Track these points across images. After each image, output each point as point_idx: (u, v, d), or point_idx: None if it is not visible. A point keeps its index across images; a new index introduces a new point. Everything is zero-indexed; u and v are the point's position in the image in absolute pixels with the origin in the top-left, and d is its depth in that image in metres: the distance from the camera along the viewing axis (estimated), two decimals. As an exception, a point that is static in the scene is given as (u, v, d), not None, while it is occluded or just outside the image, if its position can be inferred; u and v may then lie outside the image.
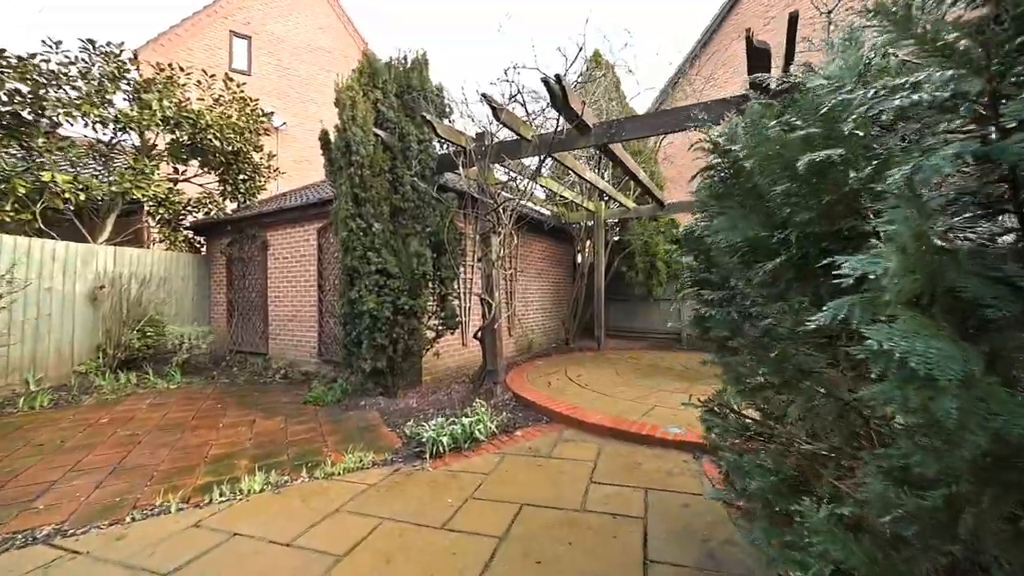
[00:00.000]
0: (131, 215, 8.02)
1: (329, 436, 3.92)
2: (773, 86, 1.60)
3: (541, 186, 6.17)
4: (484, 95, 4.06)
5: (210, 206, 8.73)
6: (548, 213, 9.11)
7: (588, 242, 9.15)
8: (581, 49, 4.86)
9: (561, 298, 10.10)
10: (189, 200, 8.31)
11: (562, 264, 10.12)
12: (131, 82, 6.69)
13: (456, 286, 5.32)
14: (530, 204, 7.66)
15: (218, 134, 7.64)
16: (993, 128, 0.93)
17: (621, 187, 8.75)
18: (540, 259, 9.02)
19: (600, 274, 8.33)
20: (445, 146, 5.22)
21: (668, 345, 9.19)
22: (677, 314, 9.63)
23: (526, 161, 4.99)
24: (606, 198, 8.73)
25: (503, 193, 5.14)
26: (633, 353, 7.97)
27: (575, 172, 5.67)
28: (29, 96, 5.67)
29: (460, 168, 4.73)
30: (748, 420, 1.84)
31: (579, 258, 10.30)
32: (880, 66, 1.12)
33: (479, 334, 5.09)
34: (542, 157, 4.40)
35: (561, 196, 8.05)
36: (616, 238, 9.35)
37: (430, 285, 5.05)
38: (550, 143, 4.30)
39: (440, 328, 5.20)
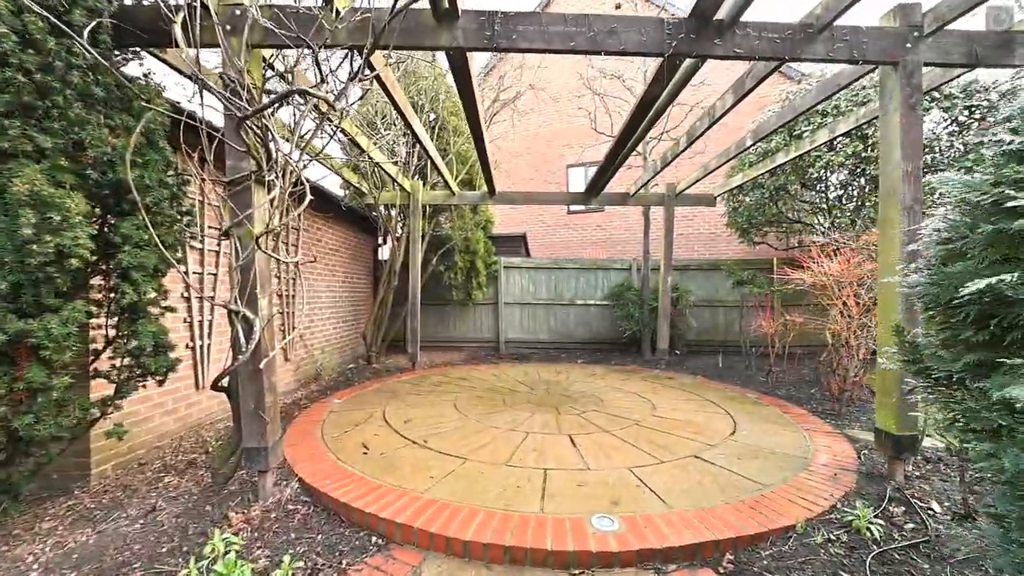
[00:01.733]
0: None
1: None
2: None
3: (343, 133, 3.94)
4: None
5: None
6: (351, 186, 6.75)
7: (400, 233, 7.18)
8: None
9: (360, 303, 7.77)
10: None
11: (360, 259, 7.80)
12: None
13: (174, 286, 2.61)
14: (323, 164, 5.20)
15: None
16: None
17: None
18: (331, 251, 6.55)
19: (416, 274, 6.50)
20: None
21: (488, 355, 8.08)
22: (495, 320, 8.67)
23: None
24: (430, 176, 6.97)
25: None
26: (458, 370, 6.45)
27: (405, 118, 3.73)
28: None
29: (180, 42, 2.20)
30: None
31: (383, 252, 8.17)
32: None
33: (223, 381, 2.61)
34: (362, 53, 2.34)
35: (366, 162, 5.87)
36: (433, 231, 7.66)
37: (91, 283, 2.31)
38: (378, 30, 2.32)
39: (127, 375, 2.46)
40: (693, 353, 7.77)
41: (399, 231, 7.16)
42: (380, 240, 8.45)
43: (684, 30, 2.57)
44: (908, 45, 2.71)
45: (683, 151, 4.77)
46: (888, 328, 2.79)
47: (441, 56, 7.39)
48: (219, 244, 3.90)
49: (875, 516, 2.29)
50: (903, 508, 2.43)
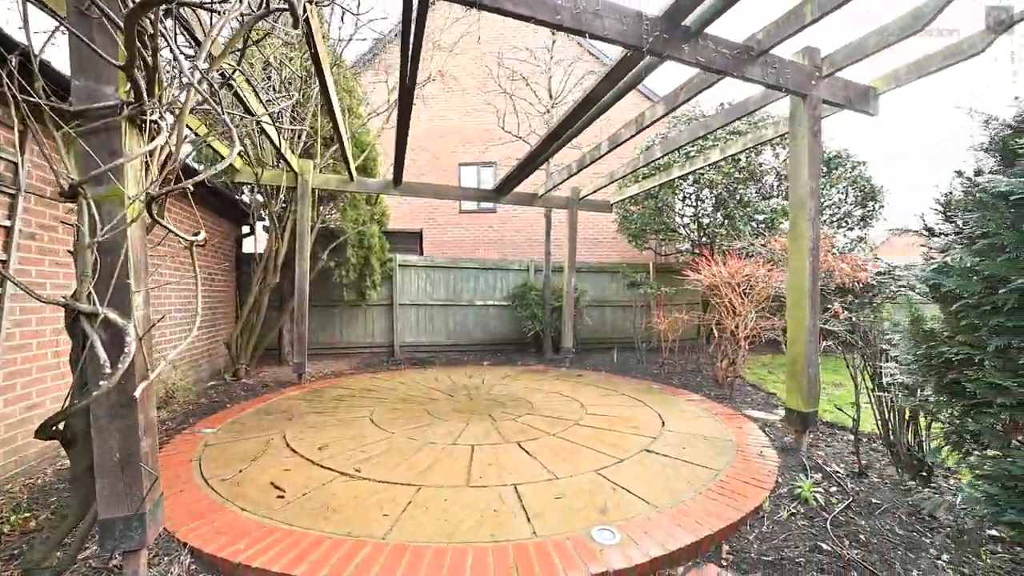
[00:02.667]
0: None
1: None
2: None
3: (229, 83, 2.98)
4: None
5: None
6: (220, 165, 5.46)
7: (280, 222, 6.01)
8: None
9: (219, 306, 6.30)
10: None
11: (220, 252, 6.34)
12: None
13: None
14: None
15: None
16: None
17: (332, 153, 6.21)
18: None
19: (305, 270, 5.50)
20: None
21: (383, 362, 7.34)
22: (390, 323, 7.93)
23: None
24: (318, 158, 5.97)
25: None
26: (356, 380, 5.66)
27: (323, 77, 3.00)
28: None
29: None
30: None
31: (253, 244, 6.78)
32: None
33: (57, 427, 1.70)
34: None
35: (246, 129, 4.77)
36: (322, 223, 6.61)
37: None
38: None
39: None
40: (587, 350, 8.23)
41: (279, 220, 6.01)
42: (247, 229, 7.00)
43: (659, 29, 2.59)
44: (813, 82, 3.20)
45: (606, 154, 4.95)
46: (798, 322, 3.25)
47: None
48: (9, 212, 2.63)
49: (813, 489, 2.59)
50: (820, 475, 2.82)
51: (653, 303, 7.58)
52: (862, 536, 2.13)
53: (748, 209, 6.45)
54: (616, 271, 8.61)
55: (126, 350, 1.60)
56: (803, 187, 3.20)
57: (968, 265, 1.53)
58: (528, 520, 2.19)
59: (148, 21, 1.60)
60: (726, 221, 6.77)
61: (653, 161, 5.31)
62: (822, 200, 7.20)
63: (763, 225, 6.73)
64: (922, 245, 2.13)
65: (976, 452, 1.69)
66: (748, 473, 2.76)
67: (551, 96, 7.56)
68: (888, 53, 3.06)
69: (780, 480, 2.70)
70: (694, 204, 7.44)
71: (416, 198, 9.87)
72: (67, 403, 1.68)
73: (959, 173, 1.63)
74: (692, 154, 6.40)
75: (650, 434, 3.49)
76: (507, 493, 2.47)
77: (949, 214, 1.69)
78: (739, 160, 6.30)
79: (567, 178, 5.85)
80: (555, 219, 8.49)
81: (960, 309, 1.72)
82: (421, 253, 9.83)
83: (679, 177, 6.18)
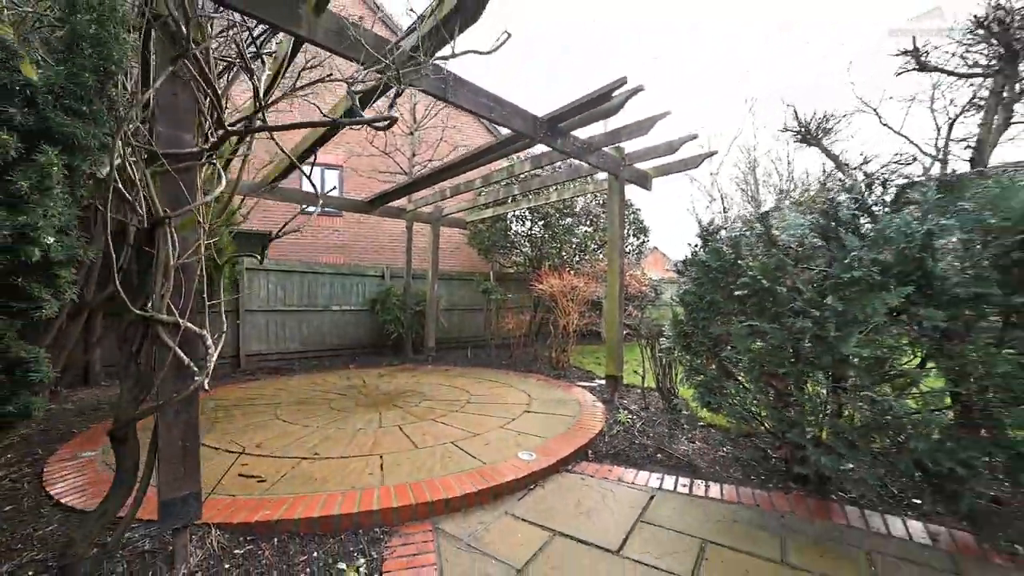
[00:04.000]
0: None
1: None
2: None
3: None
4: None
5: None
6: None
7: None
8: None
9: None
10: None
11: None
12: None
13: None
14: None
15: None
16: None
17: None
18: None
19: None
20: None
21: (227, 374, 6.87)
22: (235, 331, 7.37)
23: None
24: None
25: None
26: (226, 391, 5.40)
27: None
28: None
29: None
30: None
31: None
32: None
33: (122, 432, 1.88)
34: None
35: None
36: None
37: None
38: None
39: None
40: (443, 350, 9.26)
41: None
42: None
43: (544, 128, 3.93)
44: (621, 168, 5.07)
45: (479, 188, 6.14)
46: (612, 318, 5.06)
47: None
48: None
49: (626, 416, 4.30)
50: (627, 411, 4.61)
51: (497, 306, 9.14)
52: (651, 434, 3.86)
53: (568, 235, 8.65)
54: (469, 279, 9.90)
55: (210, 353, 2.00)
56: (615, 232, 5.04)
57: (693, 290, 3.27)
58: (474, 457, 3.19)
59: (222, 83, 2.06)
60: (553, 242, 8.84)
61: (511, 196, 6.77)
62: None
63: (576, 247, 9.04)
64: (672, 273, 3.98)
65: (696, 378, 3.51)
66: (591, 415, 4.33)
67: (415, 119, 8.36)
68: (661, 159, 5.15)
69: (608, 417, 4.35)
70: (529, 228, 9.34)
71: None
72: (127, 405, 1.93)
73: (691, 245, 3.43)
74: (538, 192, 8.20)
75: (524, 402, 4.83)
76: (450, 448, 3.40)
77: (686, 265, 3.48)
78: (565, 200, 8.39)
79: (441, 200, 6.84)
80: (396, 229, 9.26)
81: (690, 310, 3.52)
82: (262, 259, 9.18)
83: (527, 208, 7.86)
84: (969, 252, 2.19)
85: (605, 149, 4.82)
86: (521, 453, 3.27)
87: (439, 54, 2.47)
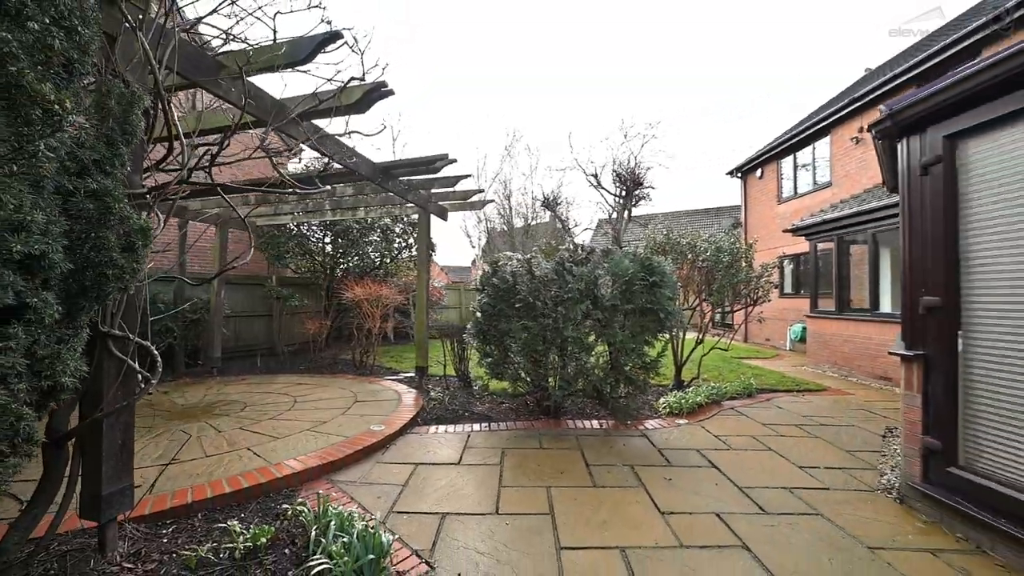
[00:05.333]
0: None
1: None
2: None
3: None
4: None
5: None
6: None
7: None
8: None
9: None
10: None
11: None
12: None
13: None
14: None
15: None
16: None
17: None
18: None
19: None
20: None
21: None
22: None
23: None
24: None
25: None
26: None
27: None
28: None
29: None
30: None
31: None
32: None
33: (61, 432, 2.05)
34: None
35: None
36: None
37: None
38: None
39: None
40: (228, 359, 8.51)
41: None
42: None
43: (381, 173, 5.00)
44: (429, 204, 6.50)
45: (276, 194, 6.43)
46: (421, 321, 6.43)
47: None
48: None
49: (437, 394, 5.73)
50: (436, 392, 6.05)
51: (290, 312, 9.08)
52: (457, 403, 5.44)
53: (368, 248, 9.45)
54: (256, 284, 9.31)
55: (158, 366, 2.41)
56: (423, 252, 6.44)
57: (488, 302, 5.01)
58: (337, 435, 4.03)
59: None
60: (353, 253, 9.46)
61: (326, 210, 7.24)
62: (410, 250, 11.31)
63: (378, 257, 9.95)
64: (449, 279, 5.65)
65: (487, 360, 5.26)
66: (411, 397, 5.59)
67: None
68: (457, 200, 6.81)
69: (422, 397, 5.70)
70: (326, 238, 9.64)
71: None
72: (79, 412, 2.18)
73: (483, 271, 5.18)
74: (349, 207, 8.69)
75: (350, 395, 5.66)
76: (312, 432, 4.10)
77: (483, 284, 5.20)
78: (371, 218, 9.19)
79: (253, 206, 6.69)
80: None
81: (487, 315, 5.25)
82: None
83: (329, 219, 8.26)
84: (612, 285, 4.62)
85: (421, 191, 6.16)
86: (372, 426, 4.30)
87: (337, 131, 3.37)
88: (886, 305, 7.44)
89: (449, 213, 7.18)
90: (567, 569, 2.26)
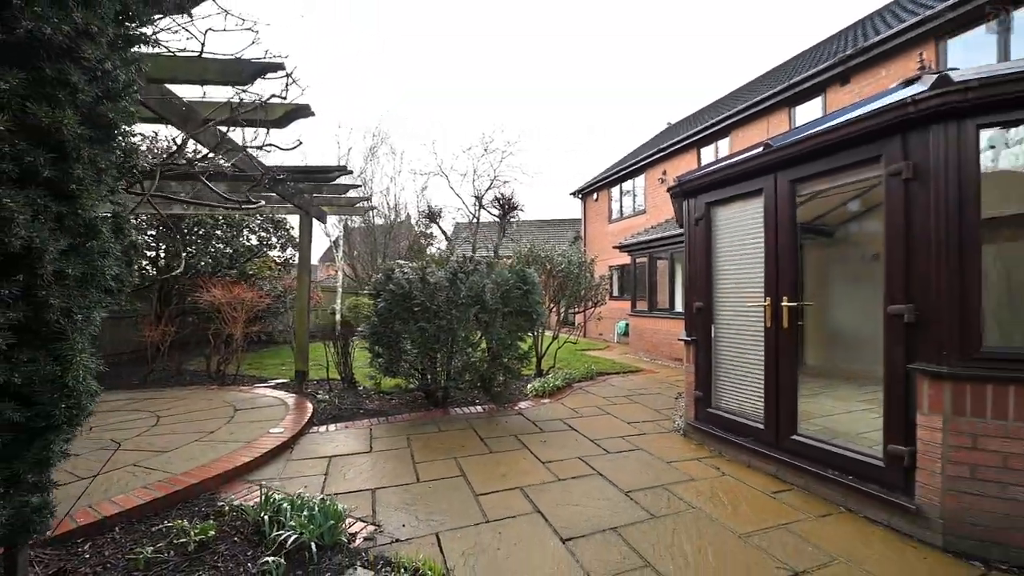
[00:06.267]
0: None
1: None
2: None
3: None
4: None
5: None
6: None
7: None
8: None
9: None
10: None
11: None
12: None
13: None
14: None
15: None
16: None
17: None
18: None
19: None
20: None
21: None
22: None
23: None
24: None
25: None
26: None
27: None
28: None
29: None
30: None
31: None
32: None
33: None
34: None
35: None
36: None
37: None
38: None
39: None
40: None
41: None
42: None
43: (269, 177, 4.99)
44: (311, 208, 6.48)
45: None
46: (302, 325, 6.37)
47: None
48: None
49: (325, 397, 5.83)
50: (323, 394, 6.10)
51: (124, 318, 7.66)
52: (348, 404, 5.68)
53: (227, 250, 8.54)
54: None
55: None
56: (306, 255, 6.41)
57: (384, 306, 5.40)
58: (238, 442, 4.02)
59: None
60: (203, 251, 8.45)
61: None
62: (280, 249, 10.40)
63: (230, 259, 9.02)
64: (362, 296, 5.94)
65: (379, 360, 5.63)
66: (297, 402, 5.60)
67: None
68: (343, 206, 6.90)
69: (309, 401, 5.75)
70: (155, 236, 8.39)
71: None
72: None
73: (376, 283, 5.55)
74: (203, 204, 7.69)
75: (228, 405, 5.38)
76: (206, 443, 3.98)
77: (378, 291, 5.56)
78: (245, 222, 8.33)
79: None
80: None
81: (382, 318, 5.60)
82: None
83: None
84: (495, 291, 5.55)
85: (305, 195, 6.14)
86: (271, 430, 4.37)
87: (255, 143, 3.52)
88: (679, 306, 10.12)
89: (326, 215, 7.20)
90: (485, 506, 3.05)
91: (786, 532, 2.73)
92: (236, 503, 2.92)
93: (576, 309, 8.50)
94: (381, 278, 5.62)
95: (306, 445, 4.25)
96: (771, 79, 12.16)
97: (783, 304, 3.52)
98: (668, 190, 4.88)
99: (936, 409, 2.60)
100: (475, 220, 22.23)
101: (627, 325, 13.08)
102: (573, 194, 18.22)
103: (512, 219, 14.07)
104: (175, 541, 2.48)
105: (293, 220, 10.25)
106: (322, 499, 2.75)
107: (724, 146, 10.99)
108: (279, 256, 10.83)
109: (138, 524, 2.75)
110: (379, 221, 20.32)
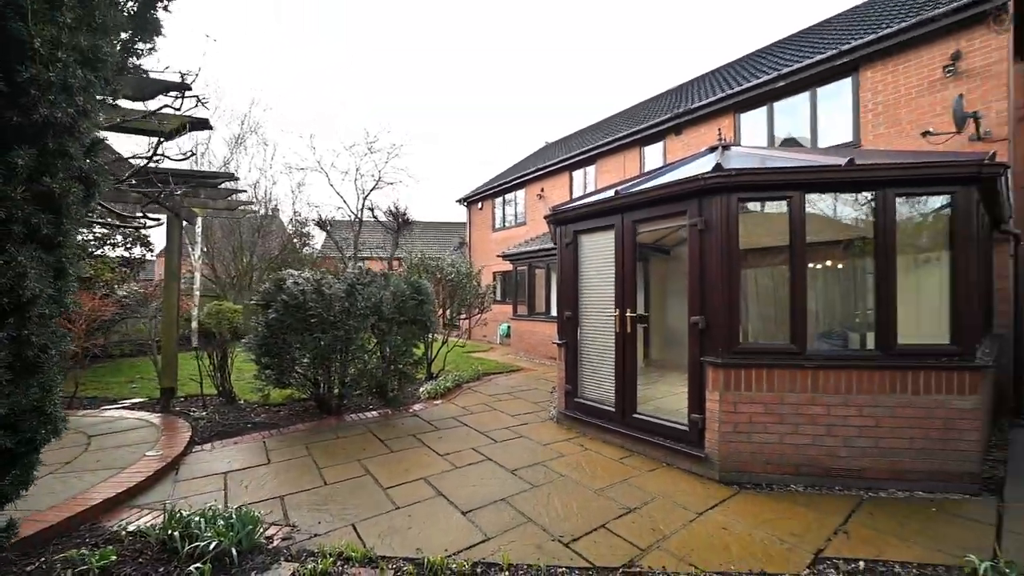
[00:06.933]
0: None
1: None
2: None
3: None
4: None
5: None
6: None
7: None
8: None
9: None
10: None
11: None
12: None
13: None
14: None
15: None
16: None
17: None
18: None
19: None
20: None
21: None
22: None
23: None
24: None
25: None
26: None
27: None
28: None
29: None
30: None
31: None
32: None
33: None
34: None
35: None
36: None
37: None
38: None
39: None
40: None
41: None
42: None
43: (142, 176, 4.61)
44: (181, 209, 5.95)
45: None
46: (170, 336, 5.83)
47: None
48: None
49: (201, 414, 5.44)
50: (197, 415, 5.66)
51: None
52: (230, 419, 5.43)
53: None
54: None
55: None
56: (174, 262, 5.89)
57: (276, 317, 5.30)
58: (112, 468, 3.71)
59: None
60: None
61: None
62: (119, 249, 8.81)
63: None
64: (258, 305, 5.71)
65: (267, 371, 5.48)
66: (169, 424, 5.16)
67: None
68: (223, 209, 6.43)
69: (181, 419, 5.34)
70: None
71: None
72: None
73: (265, 292, 5.41)
74: None
75: (79, 434, 4.73)
76: (61, 471, 3.59)
77: (268, 302, 5.41)
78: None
79: None
80: None
81: (273, 329, 5.44)
82: None
83: None
84: (392, 301, 5.87)
85: (176, 196, 5.65)
86: (147, 452, 4.10)
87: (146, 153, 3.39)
88: (554, 311, 11.45)
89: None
90: (394, 496, 3.48)
91: (626, 484, 3.72)
92: (131, 528, 2.87)
93: (464, 315, 9.14)
94: (270, 288, 5.52)
95: (193, 465, 4.10)
96: (629, 116, 14.45)
97: (627, 315, 4.63)
98: (545, 217, 5.81)
99: (716, 387, 3.83)
100: (358, 219, 21.51)
101: (509, 327, 14.17)
102: (459, 201, 18.87)
103: (405, 231, 14.23)
104: (75, 571, 2.42)
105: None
106: (237, 508, 2.89)
107: (592, 171, 12.74)
108: (126, 255, 9.31)
109: (11, 566, 2.55)
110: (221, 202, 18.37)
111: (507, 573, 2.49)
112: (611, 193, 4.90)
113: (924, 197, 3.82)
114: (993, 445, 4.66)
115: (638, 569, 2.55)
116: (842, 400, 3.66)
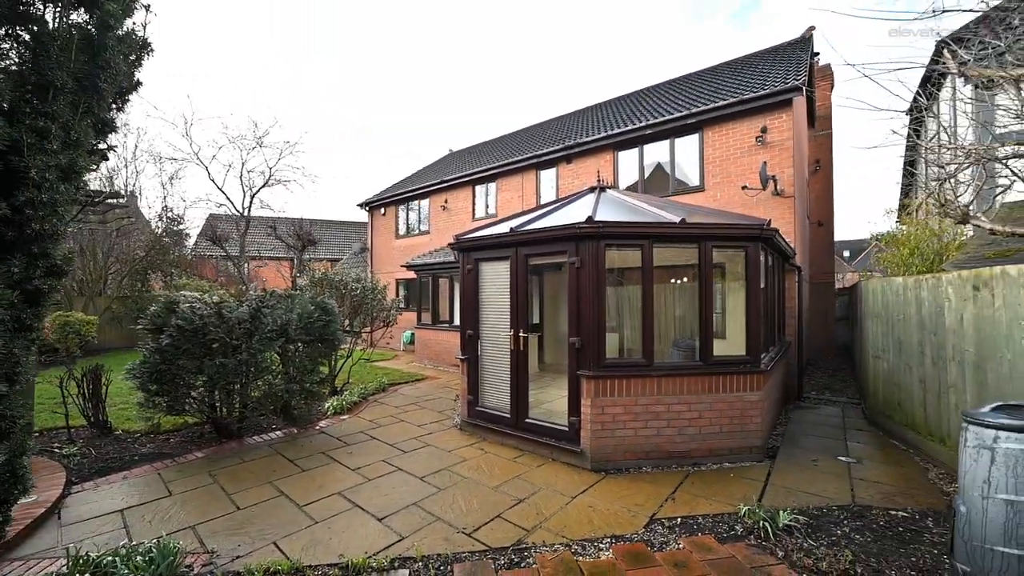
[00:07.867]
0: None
1: None
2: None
3: None
4: None
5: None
6: None
7: None
8: None
9: None
10: None
11: None
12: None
13: None
14: None
15: None
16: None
17: None
18: None
19: None
20: None
21: None
22: None
23: None
24: None
25: None
26: None
27: None
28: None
29: None
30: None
31: None
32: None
33: None
34: None
35: None
36: None
37: None
38: None
39: None
40: None
41: None
42: None
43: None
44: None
45: None
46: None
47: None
48: None
49: (73, 450, 4.98)
50: (66, 451, 5.13)
51: None
52: (111, 452, 5.06)
53: None
54: None
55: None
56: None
57: (170, 343, 5.06)
58: None
59: None
60: None
61: None
62: None
63: None
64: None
65: (157, 399, 5.20)
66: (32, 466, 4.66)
67: None
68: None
69: (43, 458, 4.85)
70: None
71: None
72: None
73: (154, 315, 5.13)
74: None
75: None
76: None
77: (159, 327, 5.12)
78: None
79: None
80: None
81: (166, 355, 5.16)
82: None
83: None
84: (298, 321, 5.95)
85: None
86: (23, 500, 3.79)
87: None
88: (457, 320, 12.03)
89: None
90: (311, 512, 3.79)
91: (519, 480, 4.49)
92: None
93: (369, 328, 9.28)
94: (159, 309, 5.27)
95: (79, 506, 3.90)
96: (527, 136, 15.62)
97: (520, 335, 5.44)
98: (449, 245, 6.39)
99: (589, 394, 4.79)
100: (244, 218, 19.80)
101: (412, 335, 14.40)
102: (361, 205, 18.42)
103: (308, 258, 13.66)
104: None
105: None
106: (156, 540, 3.01)
107: (493, 188, 13.58)
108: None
109: None
110: (94, 216, 15.69)
111: (420, 563, 3.06)
112: (508, 229, 5.66)
113: (729, 248, 5.23)
114: (780, 423, 6.41)
115: (524, 545, 3.29)
116: (678, 399, 4.85)
